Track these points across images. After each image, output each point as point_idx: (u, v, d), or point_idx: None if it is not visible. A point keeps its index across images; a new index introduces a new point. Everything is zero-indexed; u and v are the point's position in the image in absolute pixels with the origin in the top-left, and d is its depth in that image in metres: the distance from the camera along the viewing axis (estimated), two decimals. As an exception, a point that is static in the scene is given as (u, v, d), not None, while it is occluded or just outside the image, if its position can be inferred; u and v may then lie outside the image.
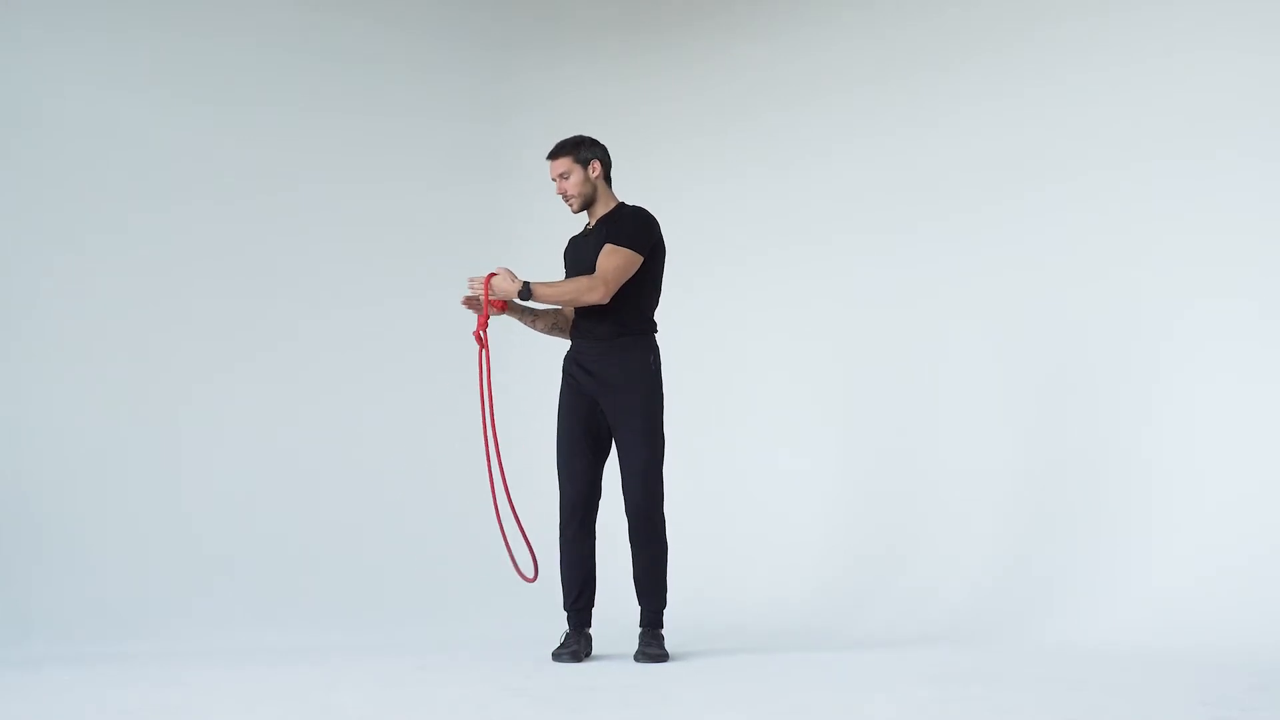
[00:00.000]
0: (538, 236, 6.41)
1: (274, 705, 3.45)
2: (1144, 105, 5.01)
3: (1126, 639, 4.41)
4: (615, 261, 4.21)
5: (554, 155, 4.36)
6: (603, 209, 4.37)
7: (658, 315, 4.43)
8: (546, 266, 6.34)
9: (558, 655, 4.24)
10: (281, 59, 5.97)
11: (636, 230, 4.28)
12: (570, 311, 4.43)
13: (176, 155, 5.64)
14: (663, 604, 4.33)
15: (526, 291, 4.22)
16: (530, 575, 4.38)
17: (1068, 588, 4.82)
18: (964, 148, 5.51)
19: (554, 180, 4.36)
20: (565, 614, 4.39)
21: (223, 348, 5.67)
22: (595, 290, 4.20)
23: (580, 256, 4.36)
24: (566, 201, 4.37)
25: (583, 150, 4.35)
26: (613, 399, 4.29)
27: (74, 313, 5.36)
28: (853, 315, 5.77)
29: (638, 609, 4.36)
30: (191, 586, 5.25)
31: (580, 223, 4.52)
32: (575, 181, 4.33)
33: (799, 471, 5.81)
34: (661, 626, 4.34)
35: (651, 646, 4.25)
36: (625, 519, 4.32)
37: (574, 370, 4.37)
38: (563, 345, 4.53)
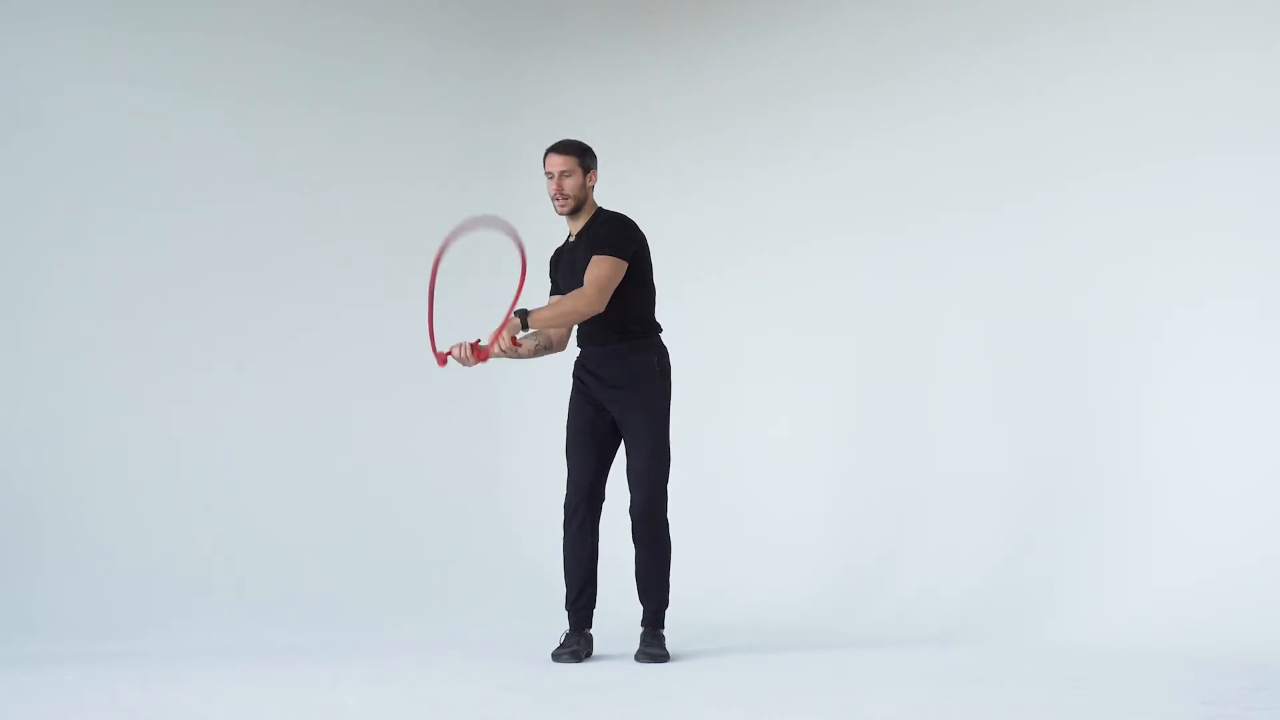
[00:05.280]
0: (537, 237, 6.42)
1: (274, 704, 3.45)
2: (1145, 106, 5.01)
3: (1126, 639, 4.41)
4: (602, 270, 4.21)
5: (562, 150, 4.31)
6: (584, 218, 4.36)
7: (659, 316, 4.43)
8: (544, 266, 6.36)
9: (558, 655, 4.24)
10: (283, 58, 5.97)
11: (616, 236, 4.26)
12: (552, 332, 4.41)
13: (176, 155, 5.64)
14: (664, 604, 4.33)
15: (525, 318, 4.20)
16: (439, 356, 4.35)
17: (1068, 588, 4.82)
18: (964, 148, 5.50)
19: (551, 174, 4.31)
20: (566, 613, 4.39)
21: (223, 347, 5.67)
22: (589, 303, 4.19)
23: (569, 268, 4.36)
24: (560, 199, 4.31)
25: (587, 157, 4.34)
26: (618, 400, 4.30)
27: (74, 312, 5.36)
28: (853, 315, 5.77)
29: (639, 609, 4.36)
30: (191, 586, 5.25)
31: (553, 230, 4.52)
32: (574, 184, 4.30)
33: (800, 471, 5.80)
34: (662, 626, 4.34)
35: (652, 646, 4.25)
36: (627, 519, 4.32)
37: (581, 374, 4.38)
38: (571, 352, 4.51)
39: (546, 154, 4.34)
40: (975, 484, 5.29)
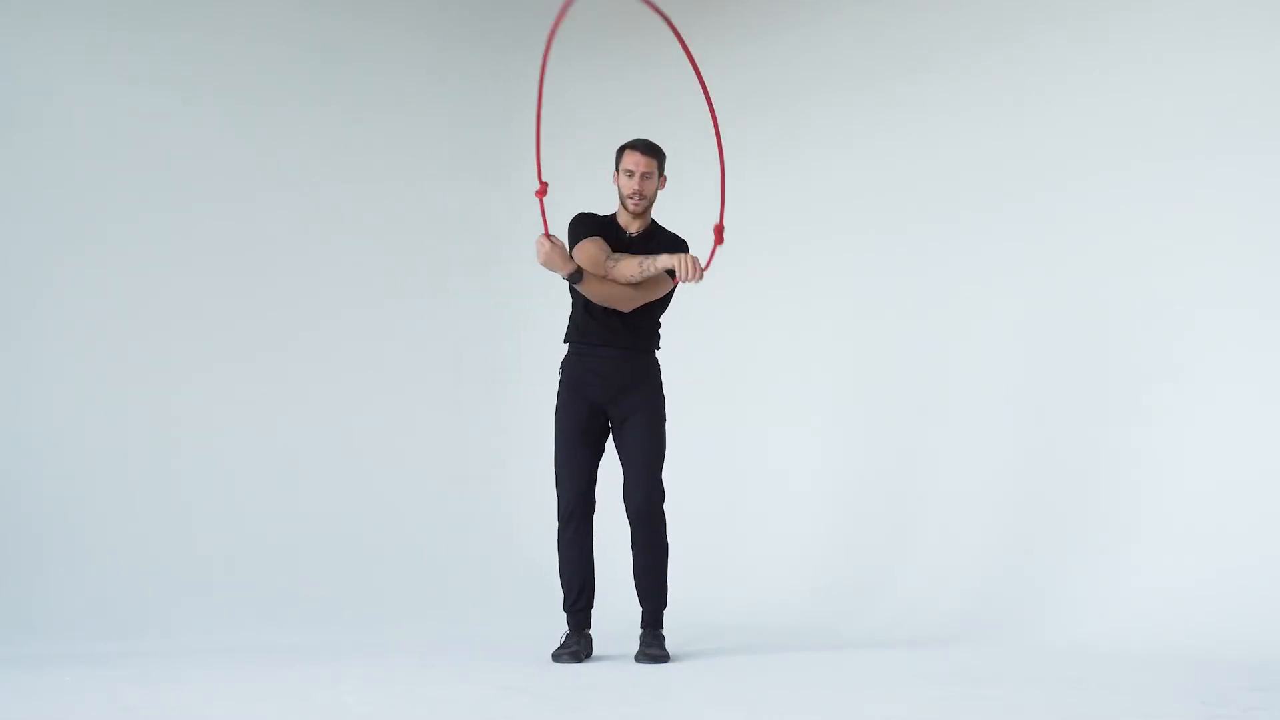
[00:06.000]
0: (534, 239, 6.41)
1: (274, 704, 3.45)
2: (1145, 106, 5.01)
3: (1126, 639, 4.41)
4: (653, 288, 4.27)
5: (648, 152, 4.32)
6: (643, 221, 4.39)
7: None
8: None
9: (557, 656, 4.24)
10: (283, 58, 5.97)
11: None
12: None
13: (176, 155, 5.64)
14: (663, 604, 4.34)
15: (579, 277, 4.18)
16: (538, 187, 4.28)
17: (1067, 588, 4.83)
18: (964, 148, 5.51)
19: (632, 172, 4.29)
20: (565, 615, 4.39)
21: (223, 347, 5.67)
22: (630, 305, 4.24)
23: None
24: (637, 199, 4.30)
25: (663, 162, 4.38)
26: (624, 401, 4.31)
27: (74, 312, 5.36)
28: (852, 316, 5.77)
29: (638, 609, 4.36)
30: (191, 586, 5.25)
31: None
32: (652, 187, 4.34)
33: (800, 471, 5.81)
34: (662, 627, 4.34)
35: (652, 647, 4.26)
36: (624, 520, 4.32)
37: (583, 375, 4.34)
38: (559, 351, 4.49)
39: (629, 150, 4.33)
40: (976, 484, 5.29)
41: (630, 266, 4.21)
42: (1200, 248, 4.83)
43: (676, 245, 4.37)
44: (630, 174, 4.31)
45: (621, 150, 4.35)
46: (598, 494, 4.40)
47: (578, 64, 6.62)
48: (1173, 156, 4.92)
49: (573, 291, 4.36)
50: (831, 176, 5.91)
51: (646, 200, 4.33)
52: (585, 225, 4.33)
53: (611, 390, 4.32)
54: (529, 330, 6.28)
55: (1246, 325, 4.71)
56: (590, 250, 4.24)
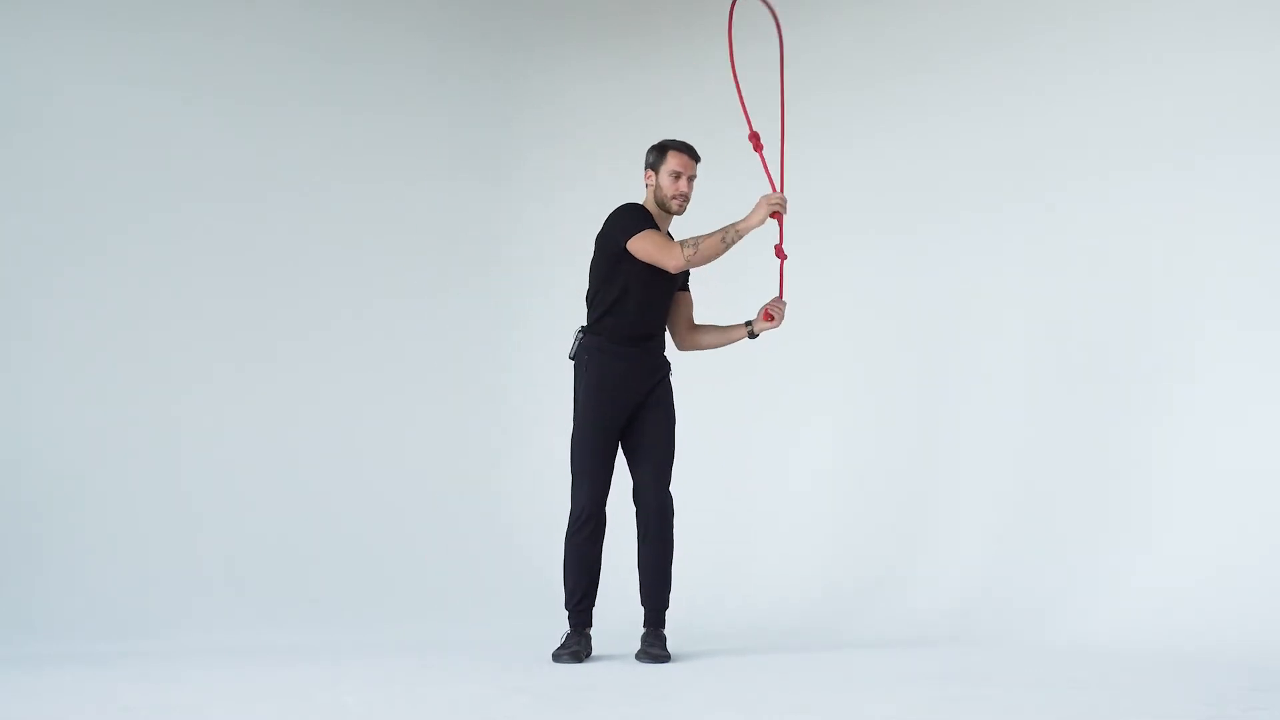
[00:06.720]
0: (537, 237, 6.42)
1: (274, 704, 3.44)
2: (1145, 106, 5.01)
3: (1126, 639, 4.41)
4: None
5: (695, 157, 4.37)
6: (669, 224, 4.42)
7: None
8: (543, 265, 6.34)
9: (558, 656, 4.24)
10: (283, 58, 5.98)
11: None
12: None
13: (176, 155, 5.65)
14: (666, 604, 4.34)
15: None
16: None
17: (1068, 588, 4.82)
18: (964, 148, 5.51)
19: (680, 174, 4.31)
20: (566, 614, 4.38)
21: (223, 347, 5.68)
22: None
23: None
24: (682, 201, 4.34)
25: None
26: (647, 396, 4.34)
27: (74, 313, 5.37)
28: (854, 317, 5.77)
29: (638, 610, 4.36)
30: (191, 586, 5.26)
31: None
32: (692, 189, 4.37)
33: (801, 472, 5.80)
34: (664, 626, 4.34)
35: (654, 647, 4.25)
36: (623, 521, 4.32)
37: (619, 374, 4.31)
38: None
39: (675, 151, 4.33)
40: (976, 485, 5.29)
41: (714, 244, 4.23)
42: (1200, 248, 4.83)
43: None
44: (677, 175, 4.32)
45: (665, 151, 4.34)
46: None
47: (578, 64, 6.63)
48: (1173, 156, 4.92)
49: (620, 288, 4.29)
50: (831, 176, 5.90)
51: (688, 203, 4.35)
52: (648, 218, 4.32)
53: (641, 391, 4.34)
54: (529, 330, 6.28)
55: (1247, 325, 4.71)
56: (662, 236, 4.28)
